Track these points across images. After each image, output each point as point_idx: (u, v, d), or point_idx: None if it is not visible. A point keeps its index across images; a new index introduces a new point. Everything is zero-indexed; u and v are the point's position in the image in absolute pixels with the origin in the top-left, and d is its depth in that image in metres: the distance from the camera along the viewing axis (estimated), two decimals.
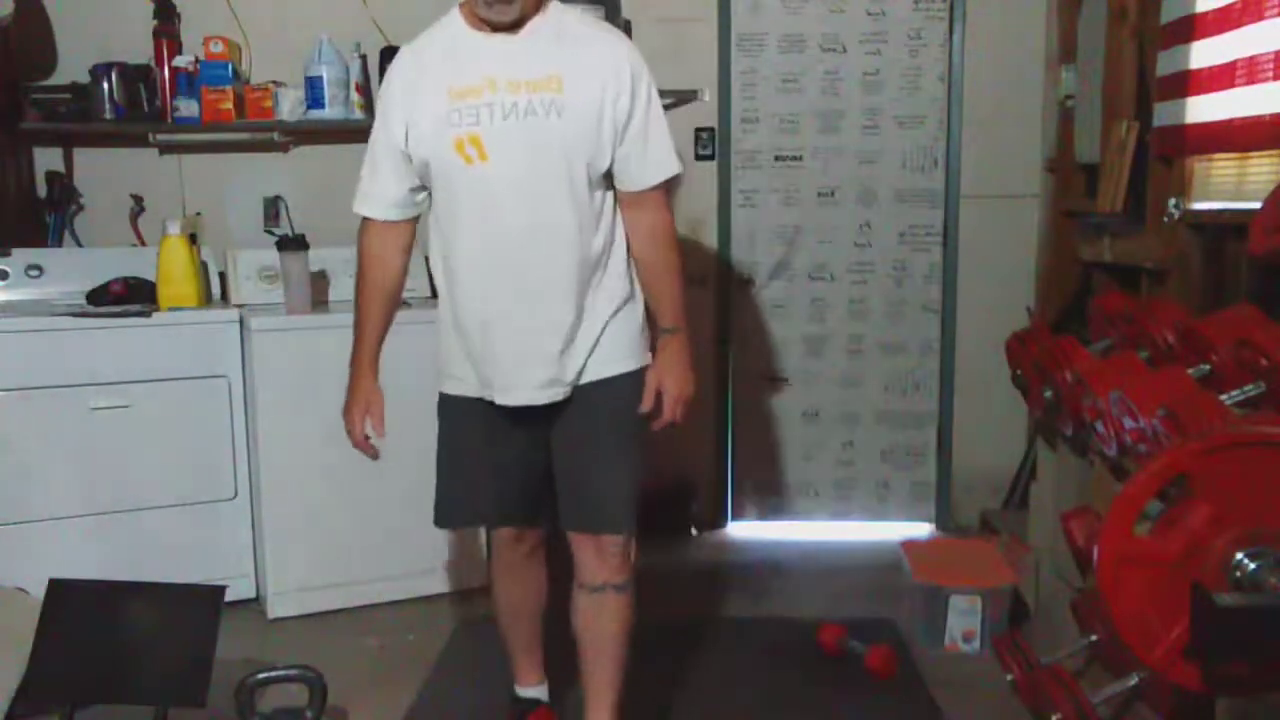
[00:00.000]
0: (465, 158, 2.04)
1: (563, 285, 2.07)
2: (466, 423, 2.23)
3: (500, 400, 2.14)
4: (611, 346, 2.15)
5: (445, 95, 2.04)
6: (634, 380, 2.17)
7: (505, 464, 2.23)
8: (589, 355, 2.13)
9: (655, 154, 2.09)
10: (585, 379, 2.14)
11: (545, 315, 2.08)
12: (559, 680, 2.52)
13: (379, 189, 2.20)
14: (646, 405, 2.15)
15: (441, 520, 2.36)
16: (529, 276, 2.07)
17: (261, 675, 2.30)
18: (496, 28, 2.04)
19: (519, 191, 2.04)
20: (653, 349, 2.21)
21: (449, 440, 2.30)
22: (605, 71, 2.03)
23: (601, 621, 2.21)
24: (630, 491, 2.18)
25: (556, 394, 2.12)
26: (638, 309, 2.20)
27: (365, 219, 2.26)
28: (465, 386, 2.21)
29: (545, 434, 2.20)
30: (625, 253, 2.17)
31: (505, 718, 2.51)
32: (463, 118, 2.03)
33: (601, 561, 2.18)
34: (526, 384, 2.11)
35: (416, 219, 2.25)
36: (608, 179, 2.11)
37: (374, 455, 2.31)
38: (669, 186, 2.17)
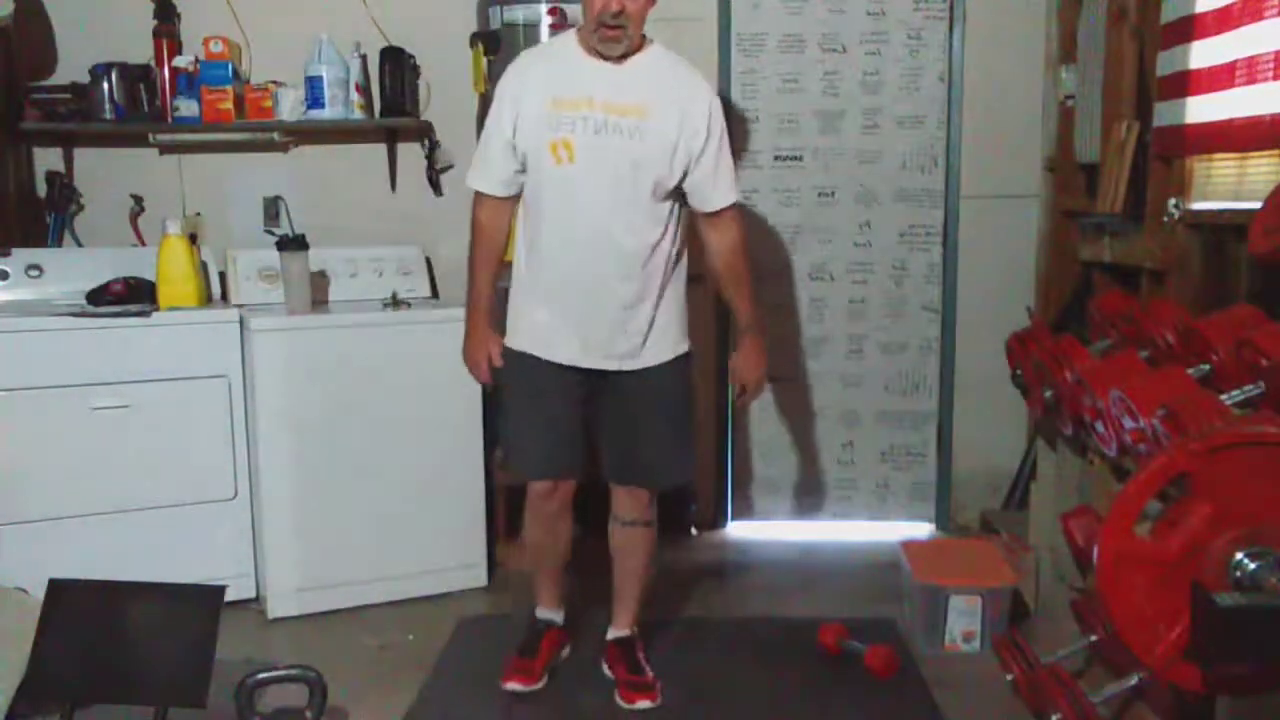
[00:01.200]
0: (556, 158, 2.47)
1: (623, 271, 2.52)
2: (526, 377, 2.63)
3: (568, 361, 2.57)
4: (663, 334, 2.61)
5: (550, 102, 2.47)
6: (680, 364, 2.66)
7: (556, 419, 2.63)
8: (646, 336, 2.58)
9: (723, 184, 2.58)
10: (642, 362, 2.59)
11: (609, 295, 2.52)
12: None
13: (491, 168, 2.59)
14: (737, 392, 2.72)
15: (518, 466, 2.77)
16: (598, 261, 2.51)
17: (261, 675, 2.31)
18: (605, 57, 2.47)
19: (594, 192, 2.47)
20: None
21: (519, 393, 2.69)
22: (685, 109, 2.49)
23: (631, 546, 2.76)
24: (680, 456, 2.72)
25: (618, 364, 2.58)
26: (682, 301, 2.66)
27: (479, 194, 2.63)
28: (532, 344, 2.60)
29: (591, 396, 2.63)
30: (678, 256, 2.62)
31: (525, 632, 2.87)
32: (560, 124, 2.46)
33: (635, 502, 2.71)
34: (595, 351, 2.56)
35: (518, 198, 2.62)
36: (674, 194, 2.54)
37: (491, 381, 2.71)
38: (740, 209, 2.65)
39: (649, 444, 2.65)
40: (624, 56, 2.47)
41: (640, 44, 2.50)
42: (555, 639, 2.86)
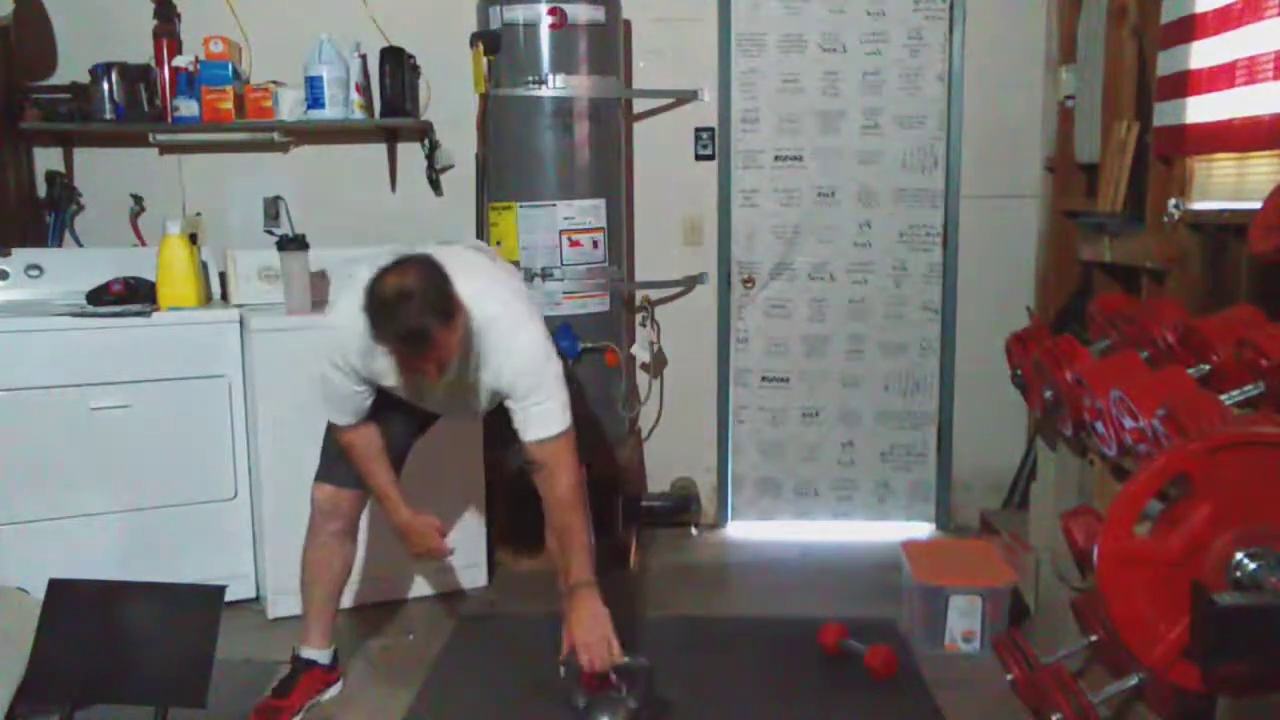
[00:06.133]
0: (407, 395, 2.51)
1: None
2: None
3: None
4: None
5: (390, 377, 2.42)
6: None
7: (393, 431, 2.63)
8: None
9: (535, 421, 2.41)
10: None
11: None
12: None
13: (345, 407, 2.50)
14: (575, 661, 2.38)
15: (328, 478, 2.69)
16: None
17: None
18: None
19: (445, 413, 2.68)
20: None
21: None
22: (500, 378, 2.40)
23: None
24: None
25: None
26: None
27: (338, 426, 2.55)
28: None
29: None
30: None
31: (285, 671, 2.71)
32: (407, 389, 2.47)
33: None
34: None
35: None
36: None
37: (449, 551, 2.70)
38: (569, 442, 2.44)
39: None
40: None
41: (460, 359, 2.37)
42: (314, 681, 2.69)
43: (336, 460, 2.62)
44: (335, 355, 2.42)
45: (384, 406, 2.56)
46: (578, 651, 2.36)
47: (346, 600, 3.26)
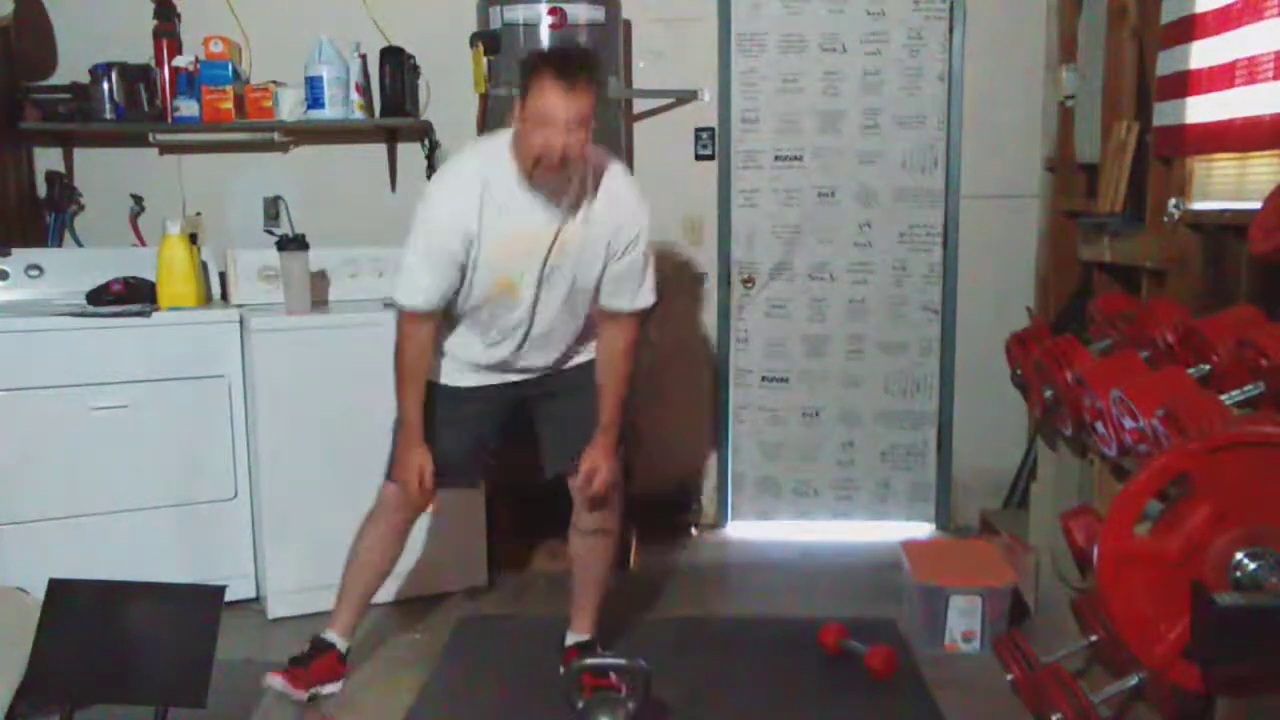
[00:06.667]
0: (499, 288, 2.49)
1: (551, 350, 2.62)
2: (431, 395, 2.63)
3: (496, 382, 2.65)
4: (586, 348, 2.67)
5: (496, 242, 2.43)
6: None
7: (465, 432, 2.66)
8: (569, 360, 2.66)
9: (644, 289, 2.59)
10: (570, 364, 2.66)
11: (534, 362, 2.63)
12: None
13: (431, 285, 2.48)
14: (581, 480, 2.61)
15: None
16: (528, 353, 2.60)
17: (591, 661, 2.44)
18: (552, 192, 2.42)
19: (531, 316, 2.53)
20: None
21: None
22: (620, 230, 2.49)
23: (592, 556, 2.76)
24: None
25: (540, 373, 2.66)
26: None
27: (409, 312, 2.52)
28: (464, 380, 2.64)
29: (514, 405, 2.70)
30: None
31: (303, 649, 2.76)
32: (508, 265, 2.46)
33: (596, 512, 2.69)
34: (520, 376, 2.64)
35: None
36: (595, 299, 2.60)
37: (431, 502, 2.69)
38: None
39: (585, 425, 2.61)
40: (568, 186, 2.42)
41: (583, 169, 2.43)
42: (328, 665, 2.72)
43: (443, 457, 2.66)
44: (439, 217, 2.45)
45: (453, 420, 2.62)
46: (588, 473, 2.59)
47: None
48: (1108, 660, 2.08)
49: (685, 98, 3.92)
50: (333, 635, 2.74)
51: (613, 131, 3.61)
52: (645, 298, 2.60)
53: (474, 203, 2.41)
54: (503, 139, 2.46)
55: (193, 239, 3.33)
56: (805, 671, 2.89)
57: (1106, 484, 2.47)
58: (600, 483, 2.61)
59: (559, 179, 2.38)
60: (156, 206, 3.73)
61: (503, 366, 2.63)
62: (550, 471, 2.73)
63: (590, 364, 2.67)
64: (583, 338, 2.66)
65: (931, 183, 3.98)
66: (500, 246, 2.43)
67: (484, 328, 2.57)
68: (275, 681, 2.64)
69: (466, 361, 2.63)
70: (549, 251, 2.45)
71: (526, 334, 2.56)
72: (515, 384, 2.66)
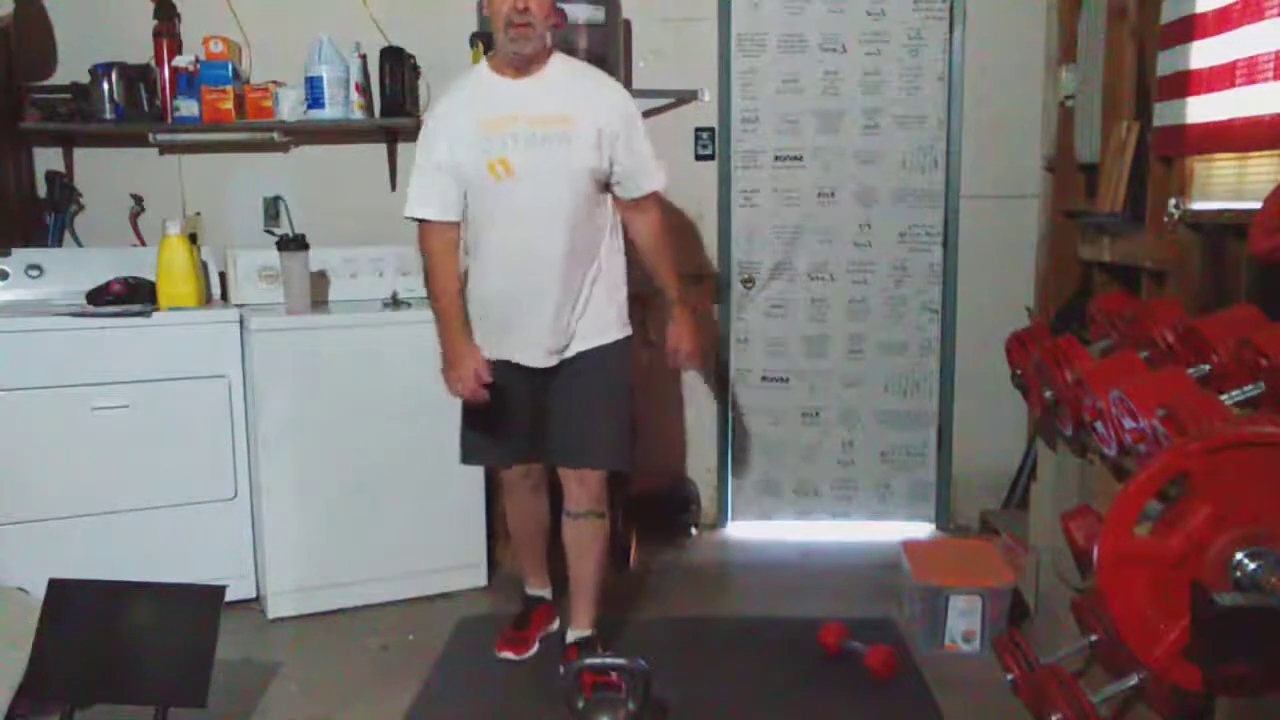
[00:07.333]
0: (496, 175, 2.61)
1: (563, 270, 2.65)
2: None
3: (519, 360, 2.71)
4: (599, 316, 2.73)
5: (478, 125, 2.61)
6: (619, 348, 2.77)
7: (505, 408, 2.74)
8: (577, 325, 2.70)
9: (648, 169, 2.73)
10: (575, 349, 2.71)
11: (550, 292, 2.65)
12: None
13: (430, 194, 2.69)
14: (673, 360, 2.84)
15: (468, 460, 2.93)
16: (540, 259, 2.64)
17: (591, 661, 2.42)
18: (518, 71, 2.61)
19: (537, 200, 2.62)
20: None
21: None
22: (600, 108, 2.63)
23: (584, 541, 2.81)
24: (613, 437, 2.77)
25: (558, 358, 2.72)
26: (620, 287, 2.79)
27: (424, 224, 2.71)
28: (488, 352, 2.71)
29: (544, 389, 2.75)
30: (615, 247, 2.77)
31: (518, 609, 3.10)
32: (493, 144, 2.59)
33: (584, 492, 2.76)
34: (535, 348, 2.70)
35: (458, 225, 2.73)
36: (606, 187, 2.71)
37: (486, 399, 2.70)
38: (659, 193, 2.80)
39: (587, 421, 2.74)
40: (533, 64, 2.61)
41: (546, 53, 2.64)
42: (544, 614, 3.08)
43: (490, 441, 2.83)
44: (425, 132, 2.71)
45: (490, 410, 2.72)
46: (678, 355, 2.81)
47: (347, 600, 3.28)
48: (1108, 660, 2.08)
49: (685, 98, 3.92)
50: (534, 589, 3.12)
51: None
52: (658, 178, 2.75)
53: (452, 108, 2.67)
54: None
55: (193, 239, 3.33)
56: (805, 671, 2.89)
57: (1106, 484, 2.46)
58: (685, 354, 2.81)
59: (531, 47, 2.56)
60: (156, 206, 3.73)
61: (520, 314, 2.68)
62: (552, 460, 2.84)
63: (594, 350, 2.73)
64: (593, 291, 2.72)
65: (931, 183, 3.98)
66: (481, 125, 2.59)
67: (493, 243, 2.67)
68: (506, 654, 2.92)
69: (495, 321, 2.72)
70: (528, 119, 2.58)
71: (533, 233, 2.63)
72: (530, 371, 2.73)
